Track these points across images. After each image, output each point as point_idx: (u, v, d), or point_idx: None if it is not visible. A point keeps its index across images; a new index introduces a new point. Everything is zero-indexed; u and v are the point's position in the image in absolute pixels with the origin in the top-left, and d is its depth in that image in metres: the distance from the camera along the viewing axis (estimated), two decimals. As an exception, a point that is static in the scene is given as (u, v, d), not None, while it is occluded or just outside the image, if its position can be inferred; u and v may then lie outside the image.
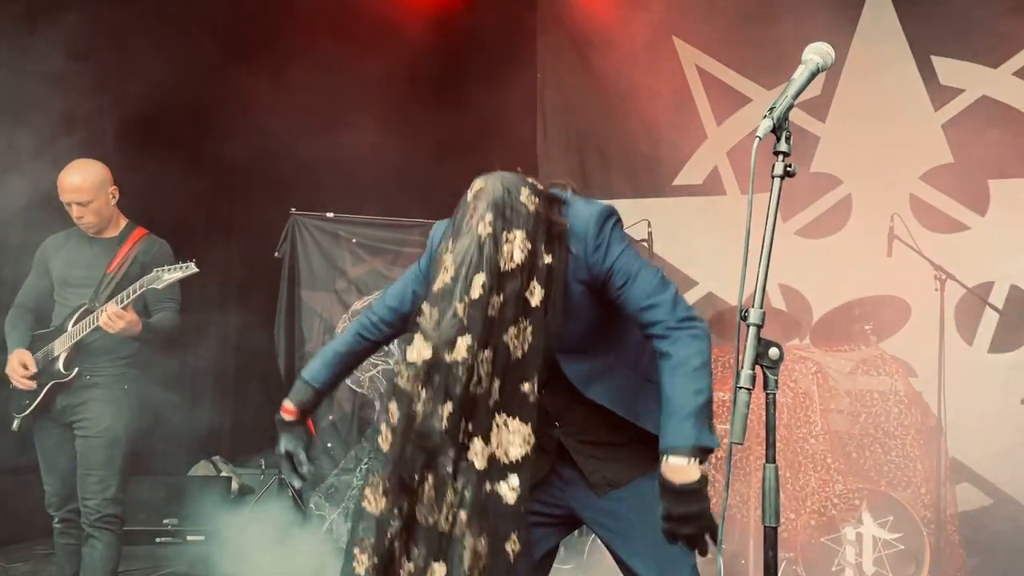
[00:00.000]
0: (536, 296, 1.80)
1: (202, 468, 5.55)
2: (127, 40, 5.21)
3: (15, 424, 3.53)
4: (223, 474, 5.36)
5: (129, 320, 3.36)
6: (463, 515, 1.78)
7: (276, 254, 4.94)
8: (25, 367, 3.49)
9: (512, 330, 1.78)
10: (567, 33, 6.37)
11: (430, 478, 1.80)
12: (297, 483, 2.18)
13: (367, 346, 2.22)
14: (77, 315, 3.50)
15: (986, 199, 5.44)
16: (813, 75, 1.68)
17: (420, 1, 5.99)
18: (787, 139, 1.61)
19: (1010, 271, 5.30)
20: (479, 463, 1.78)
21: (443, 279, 1.81)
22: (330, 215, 5.00)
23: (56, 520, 3.60)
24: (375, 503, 1.84)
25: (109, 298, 3.43)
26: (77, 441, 3.51)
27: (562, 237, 1.86)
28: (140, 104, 5.20)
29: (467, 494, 1.78)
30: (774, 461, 1.53)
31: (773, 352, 1.54)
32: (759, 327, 1.53)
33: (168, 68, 5.40)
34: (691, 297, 5.89)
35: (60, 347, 3.49)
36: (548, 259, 1.83)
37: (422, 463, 1.80)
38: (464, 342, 1.75)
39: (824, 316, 4.80)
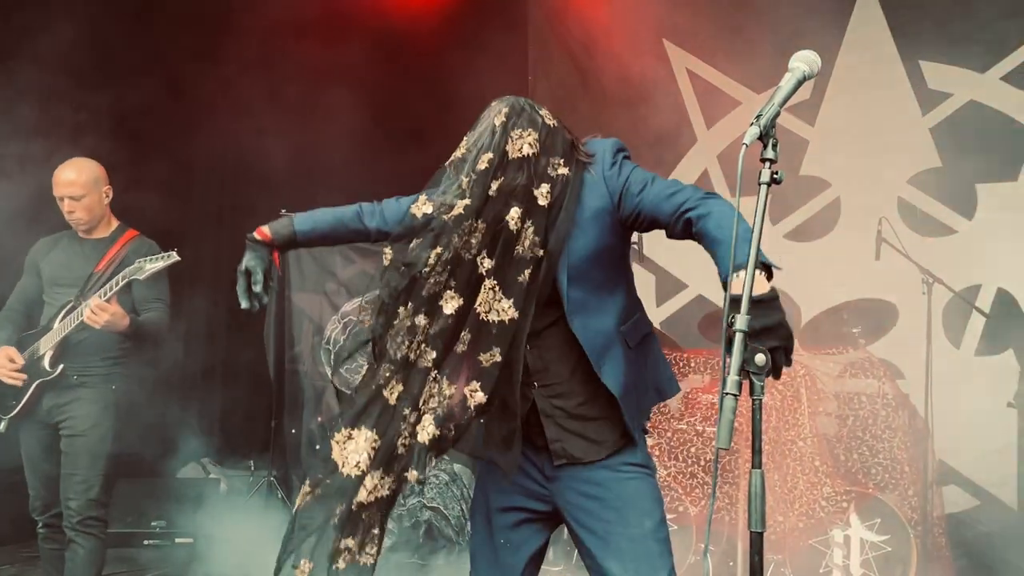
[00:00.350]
0: (543, 197, 1.93)
1: (190, 470, 5.53)
2: (117, 42, 5.19)
3: (1, 425, 3.51)
4: (211, 476, 5.35)
5: (113, 312, 3.34)
6: (431, 353, 1.92)
7: (265, 256, 4.92)
8: (11, 360, 3.48)
9: (514, 212, 1.90)
10: (558, 36, 6.38)
11: (409, 305, 1.94)
12: (245, 303, 2.19)
13: (358, 227, 2.25)
14: (63, 313, 3.49)
15: (973, 203, 5.47)
16: (799, 83, 1.70)
17: (416, 8, 6.00)
18: (774, 146, 1.62)
19: (997, 274, 5.33)
20: (447, 308, 1.92)
21: (455, 155, 2.00)
22: (320, 217, 4.98)
23: (40, 525, 3.58)
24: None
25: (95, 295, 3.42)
26: (62, 441, 3.49)
27: (582, 163, 2.01)
28: (131, 106, 5.18)
29: (435, 335, 1.92)
30: (760, 467, 1.54)
31: (759, 358, 1.55)
32: (745, 333, 1.54)
33: (159, 69, 5.39)
34: (681, 299, 5.91)
35: (45, 345, 3.48)
36: (564, 170, 1.96)
37: (403, 287, 1.95)
38: (462, 203, 1.91)
39: (813, 319, 4.83)
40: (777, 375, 1.67)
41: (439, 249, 1.92)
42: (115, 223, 3.68)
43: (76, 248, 3.62)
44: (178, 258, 3.40)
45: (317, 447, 4.80)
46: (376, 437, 1.92)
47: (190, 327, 5.68)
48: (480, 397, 1.90)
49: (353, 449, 1.91)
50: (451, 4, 6.08)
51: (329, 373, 4.86)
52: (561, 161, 1.98)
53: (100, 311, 3.31)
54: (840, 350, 4.48)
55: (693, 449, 4.30)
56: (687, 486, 4.25)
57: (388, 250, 2.00)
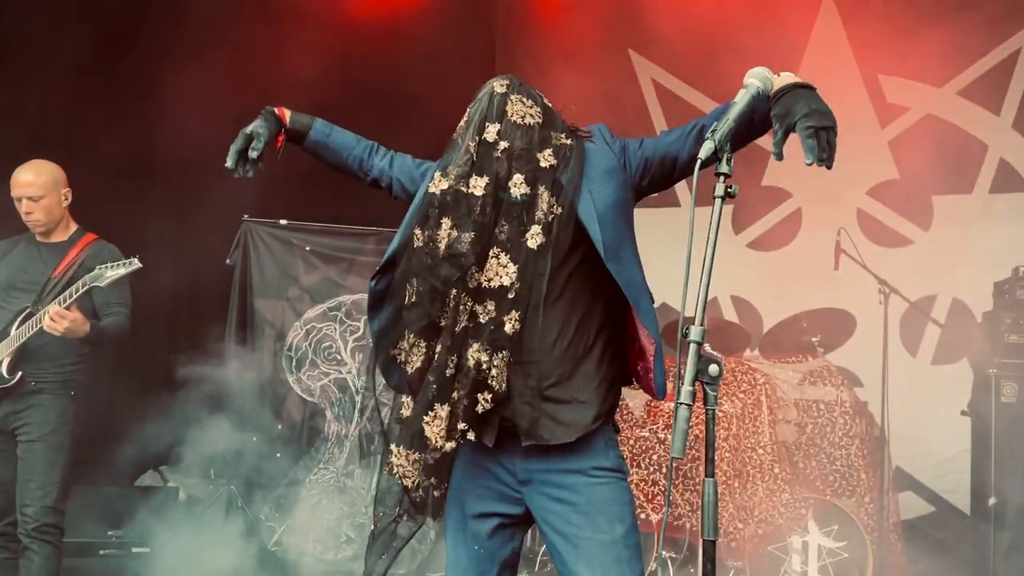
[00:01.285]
0: (545, 160, 2.00)
1: (149, 478, 5.45)
2: (75, 46, 5.11)
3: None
4: (170, 484, 5.28)
5: (73, 320, 3.31)
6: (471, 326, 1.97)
7: (228, 261, 4.87)
8: None
9: (518, 178, 1.97)
10: (525, 45, 6.41)
11: (459, 292, 1.97)
12: (231, 163, 2.19)
13: (363, 158, 2.30)
14: (20, 319, 3.44)
15: (930, 214, 5.59)
16: (754, 99, 1.73)
17: (378, 10, 5.98)
18: (728, 161, 1.65)
19: (953, 285, 5.45)
20: (471, 283, 1.97)
21: (460, 124, 2.05)
22: (283, 222, 4.95)
23: (-6, 534, 3.51)
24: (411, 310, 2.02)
25: (53, 301, 3.37)
26: (19, 447, 3.44)
27: (582, 137, 2.09)
28: (88, 108, 5.10)
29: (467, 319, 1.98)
30: (713, 476, 1.56)
31: (713, 369, 1.57)
32: (700, 344, 1.56)
33: (117, 71, 5.31)
34: (645, 307, 5.96)
35: (3, 351, 3.43)
36: (567, 141, 2.04)
37: (454, 280, 1.96)
38: (481, 181, 1.96)
39: (773, 327, 4.89)
40: (831, 161, 1.76)
41: (472, 234, 1.96)
42: (73, 227, 3.66)
43: (33, 252, 3.58)
44: (140, 265, 3.38)
45: (278, 455, 4.77)
46: (449, 410, 1.98)
47: (150, 332, 5.59)
48: (493, 360, 1.94)
49: (439, 426, 1.96)
50: (418, 9, 6.08)
51: (291, 380, 4.82)
52: (563, 135, 2.05)
53: (60, 318, 3.27)
54: (800, 358, 4.55)
55: (655, 456, 4.32)
56: (649, 493, 4.28)
57: (419, 231, 2.03)
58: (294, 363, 4.82)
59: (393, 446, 2.02)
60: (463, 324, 1.96)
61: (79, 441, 3.53)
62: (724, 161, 1.66)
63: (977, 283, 5.13)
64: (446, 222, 1.97)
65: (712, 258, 1.59)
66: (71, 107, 4.98)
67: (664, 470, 4.33)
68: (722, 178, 1.65)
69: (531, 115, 2.02)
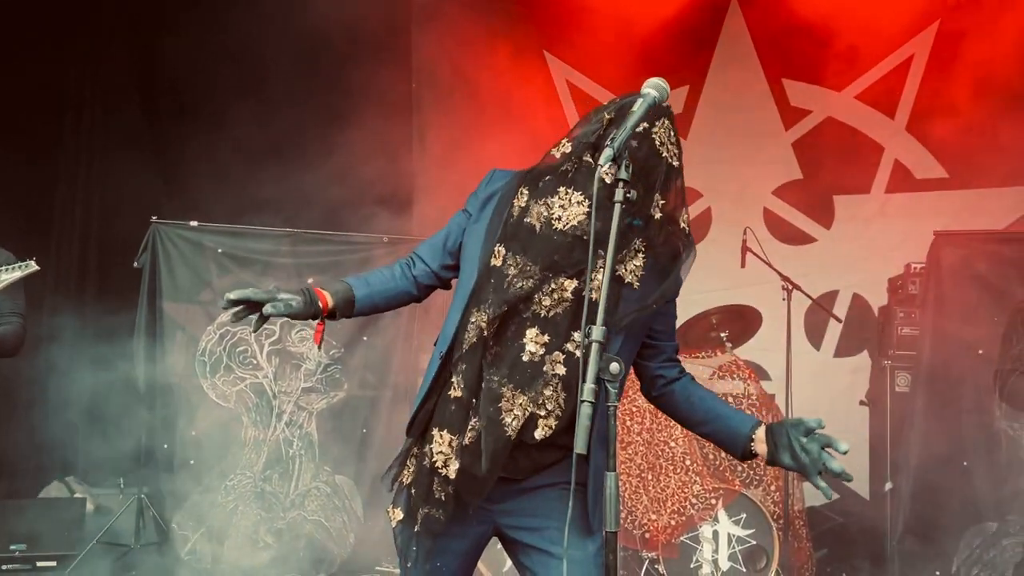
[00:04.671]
0: (657, 209, 1.89)
1: (54, 489, 5.25)
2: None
3: None
4: (77, 495, 5.09)
5: None
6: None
7: (136, 264, 4.72)
8: None
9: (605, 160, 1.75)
10: (442, 43, 6.41)
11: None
12: (234, 296, 1.93)
13: (411, 285, 2.12)
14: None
15: (831, 213, 5.84)
16: (650, 108, 1.80)
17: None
18: (627, 167, 1.71)
19: (852, 280, 5.72)
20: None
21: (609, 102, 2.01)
22: (194, 224, 4.82)
23: None
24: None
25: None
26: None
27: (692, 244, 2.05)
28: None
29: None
30: (615, 470, 1.62)
31: (614, 367, 1.63)
32: (601, 344, 1.61)
33: (25, 64, 5.12)
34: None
35: None
36: (687, 228, 2.00)
37: (571, 262, 1.86)
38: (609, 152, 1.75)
39: (684, 323, 5.02)
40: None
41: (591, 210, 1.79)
42: (-31, 232, 3.51)
43: (-71, 258, 3.42)
44: (37, 268, 3.25)
45: (192, 462, 4.65)
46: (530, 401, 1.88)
47: (53, 337, 5.39)
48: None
49: (518, 413, 1.88)
50: (333, 9, 6.01)
51: (205, 385, 4.71)
52: (687, 228, 1.98)
53: None
54: (710, 353, 4.69)
55: (572, 452, 4.40)
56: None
57: (523, 198, 1.92)
58: (208, 368, 4.71)
59: (436, 430, 1.91)
60: (547, 306, 1.86)
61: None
62: (623, 167, 1.71)
63: (874, 279, 5.39)
64: (564, 191, 1.87)
65: (613, 260, 1.65)
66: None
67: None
68: (621, 183, 1.71)
69: (675, 156, 1.91)
